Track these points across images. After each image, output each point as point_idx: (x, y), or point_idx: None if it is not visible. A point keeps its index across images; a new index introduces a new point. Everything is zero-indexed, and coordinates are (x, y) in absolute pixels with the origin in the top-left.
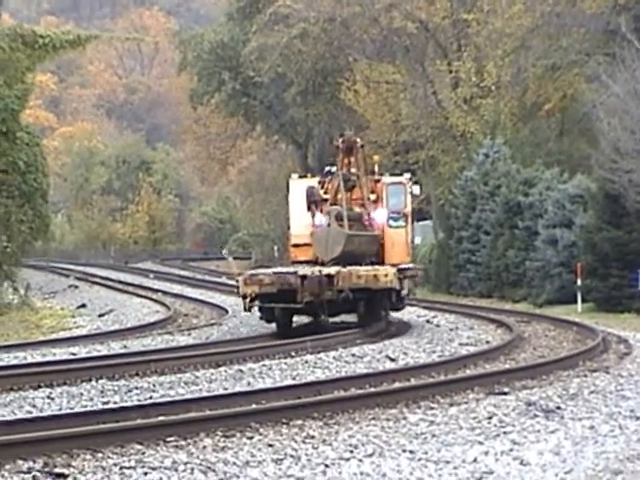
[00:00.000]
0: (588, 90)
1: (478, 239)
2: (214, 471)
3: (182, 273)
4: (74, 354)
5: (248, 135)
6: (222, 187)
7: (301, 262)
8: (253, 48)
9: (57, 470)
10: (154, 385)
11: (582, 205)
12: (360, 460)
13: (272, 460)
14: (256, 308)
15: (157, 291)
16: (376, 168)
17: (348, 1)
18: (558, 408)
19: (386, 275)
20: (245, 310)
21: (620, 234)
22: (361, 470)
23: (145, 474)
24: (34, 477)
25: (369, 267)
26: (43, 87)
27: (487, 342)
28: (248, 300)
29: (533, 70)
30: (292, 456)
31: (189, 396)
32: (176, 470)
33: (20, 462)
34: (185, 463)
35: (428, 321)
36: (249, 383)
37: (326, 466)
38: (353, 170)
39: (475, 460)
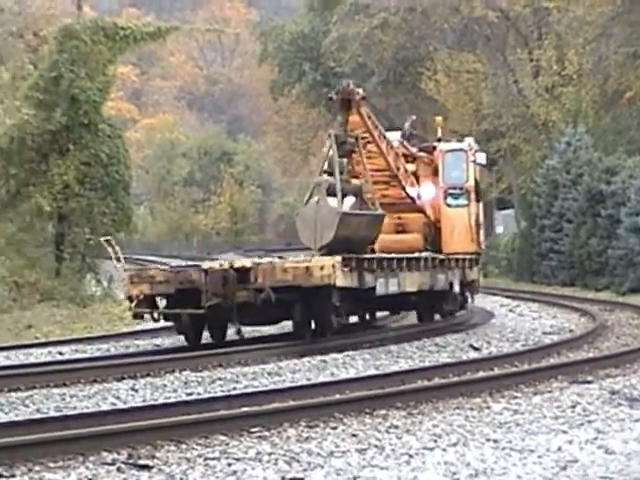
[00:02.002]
0: None
1: (561, 227)
2: (298, 461)
3: None
4: (158, 345)
5: (329, 125)
6: (304, 178)
7: None
8: (334, 38)
9: (141, 462)
10: (237, 376)
11: None
12: (444, 449)
13: (356, 450)
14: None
15: None
16: (439, 132)
17: None
18: None
19: (322, 268)
20: (134, 317)
21: None
22: (445, 459)
23: (229, 465)
24: (119, 468)
25: (302, 259)
26: (124, 79)
27: (570, 331)
28: (134, 304)
29: (615, 58)
30: (376, 446)
31: (273, 387)
32: (260, 461)
33: (104, 454)
34: (269, 454)
35: (511, 310)
36: (332, 373)
37: (410, 456)
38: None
39: (559, 449)
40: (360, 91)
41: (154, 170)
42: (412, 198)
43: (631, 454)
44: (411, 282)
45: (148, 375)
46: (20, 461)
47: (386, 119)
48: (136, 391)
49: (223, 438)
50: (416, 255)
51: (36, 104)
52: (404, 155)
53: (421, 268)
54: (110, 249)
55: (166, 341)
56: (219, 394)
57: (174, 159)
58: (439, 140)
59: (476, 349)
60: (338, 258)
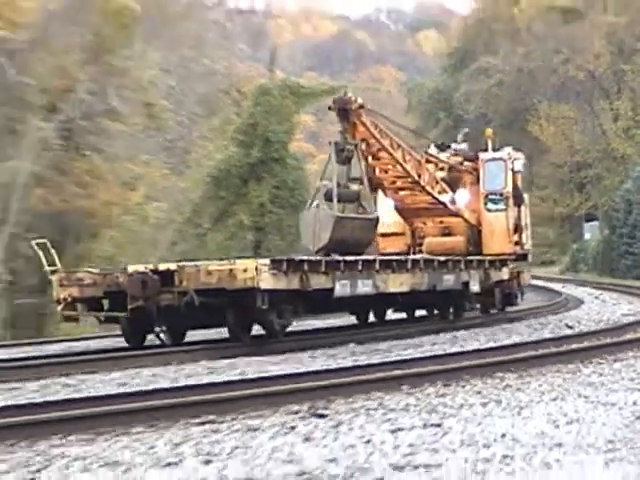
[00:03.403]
0: None
1: (634, 235)
2: (436, 412)
3: None
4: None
5: None
6: None
7: (390, 254)
8: (462, 93)
9: (319, 412)
10: (390, 348)
11: None
12: (547, 403)
13: (480, 404)
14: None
15: None
16: (489, 143)
17: (534, 57)
18: None
19: (245, 271)
20: (65, 320)
21: None
22: (547, 411)
23: (384, 414)
24: (302, 417)
25: (227, 262)
26: (305, 125)
27: None
28: (62, 307)
29: None
30: (495, 400)
31: (417, 355)
32: (407, 411)
33: (291, 406)
34: (415, 405)
35: (596, 297)
36: (462, 345)
37: (521, 408)
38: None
39: (635, 403)
40: (359, 100)
41: None
42: (443, 203)
43: None
44: (398, 283)
45: (324, 347)
46: (229, 412)
47: None
48: (315, 358)
49: (380, 394)
50: (396, 258)
51: (238, 143)
52: (434, 163)
53: (410, 269)
54: (41, 253)
55: (338, 320)
56: (377, 361)
57: None
58: (485, 150)
59: (570, 327)
60: (263, 261)
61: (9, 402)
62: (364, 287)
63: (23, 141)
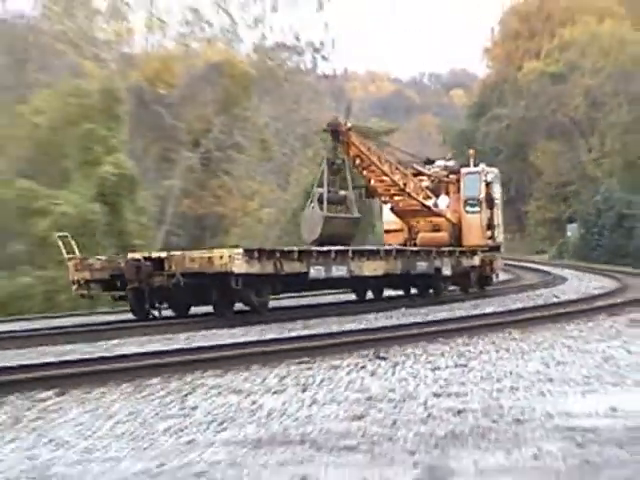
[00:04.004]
0: None
1: (602, 233)
2: (464, 356)
3: None
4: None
5: None
6: None
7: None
8: (480, 133)
9: (382, 355)
10: (429, 312)
11: None
12: (541, 350)
13: (494, 350)
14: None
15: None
16: (471, 160)
17: (532, 108)
18: None
19: (221, 258)
20: (82, 297)
21: None
22: (541, 355)
23: (427, 358)
24: (370, 359)
25: (206, 251)
26: None
27: (609, 288)
28: (76, 287)
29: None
30: (504, 349)
31: (448, 316)
32: (443, 355)
33: (362, 351)
34: (448, 352)
35: (576, 276)
36: (480, 309)
37: (523, 354)
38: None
39: (603, 351)
40: (348, 123)
41: None
42: (427, 206)
43: None
44: (372, 268)
45: (382, 311)
46: (319, 355)
47: (508, 177)
48: (378, 318)
49: (424, 343)
50: (369, 248)
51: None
52: (419, 175)
53: (383, 257)
54: (61, 243)
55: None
56: (420, 320)
57: None
58: (467, 165)
59: (557, 297)
60: (237, 250)
61: (164, 348)
62: (338, 271)
63: (175, 166)
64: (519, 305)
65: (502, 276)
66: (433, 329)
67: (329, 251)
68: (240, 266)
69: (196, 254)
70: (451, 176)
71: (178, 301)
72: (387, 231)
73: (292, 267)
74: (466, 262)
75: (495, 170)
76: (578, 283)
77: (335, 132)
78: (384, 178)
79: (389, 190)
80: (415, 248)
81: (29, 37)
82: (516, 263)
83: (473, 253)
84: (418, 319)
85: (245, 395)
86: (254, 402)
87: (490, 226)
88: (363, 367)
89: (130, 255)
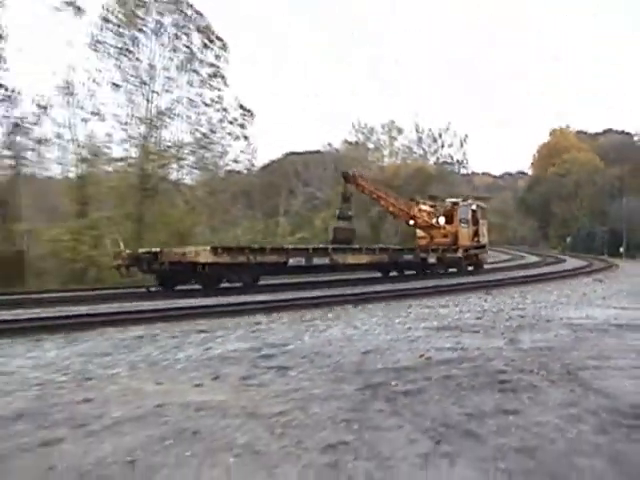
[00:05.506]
0: None
1: (584, 241)
2: (524, 293)
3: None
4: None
5: None
6: None
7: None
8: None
9: (488, 292)
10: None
11: None
12: (557, 290)
13: (537, 290)
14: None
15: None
16: (467, 200)
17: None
18: (601, 281)
19: (192, 252)
20: (122, 277)
21: None
22: (557, 293)
23: (505, 294)
24: (479, 296)
25: (189, 247)
26: None
27: (584, 265)
28: (116, 268)
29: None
30: (540, 289)
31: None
32: (514, 293)
33: (477, 292)
34: (515, 291)
35: (565, 260)
36: (499, 278)
37: (548, 292)
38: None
39: (583, 292)
40: (355, 172)
41: None
42: (431, 223)
43: (597, 291)
44: (356, 259)
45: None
46: (460, 294)
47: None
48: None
49: (503, 289)
50: (351, 246)
51: None
52: (424, 205)
53: (364, 252)
54: (108, 242)
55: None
56: (501, 277)
57: None
58: (464, 201)
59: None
60: (204, 247)
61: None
62: (319, 261)
63: None
64: (545, 270)
65: (533, 258)
66: (508, 282)
67: (306, 248)
68: (205, 258)
69: (178, 250)
70: (455, 206)
71: (167, 280)
72: (419, 237)
73: (270, 258)
74: (450, 255)
75: (481, 203)
76: (572, 262)
77: (346, 177)
78: (393, 206)
79: (400, 214)
80: (399, 247)
81: None
82: (543, 253)
83: (456, 250)
84: (499, 276)
85: (432, 308)
86: (437, 314)
87: (475, 234)
88: (479, 297)
89: (140, 250)
